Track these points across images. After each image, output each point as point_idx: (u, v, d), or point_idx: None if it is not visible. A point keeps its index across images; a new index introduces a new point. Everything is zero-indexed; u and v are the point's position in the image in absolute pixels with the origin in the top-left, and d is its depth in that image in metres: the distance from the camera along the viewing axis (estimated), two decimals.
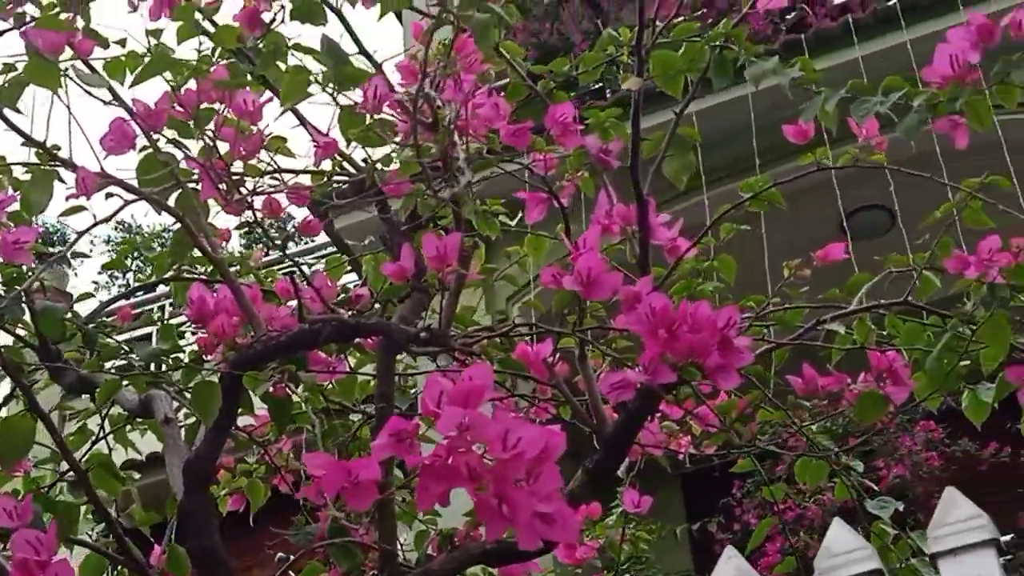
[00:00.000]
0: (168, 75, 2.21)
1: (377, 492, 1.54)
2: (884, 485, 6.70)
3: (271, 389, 2.29)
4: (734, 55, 2.17)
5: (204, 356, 2.34)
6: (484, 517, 1.46)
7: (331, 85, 2.13)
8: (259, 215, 2.30)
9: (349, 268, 2.97)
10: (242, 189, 2.23)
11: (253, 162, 2.23)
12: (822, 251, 2.53)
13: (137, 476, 2.65)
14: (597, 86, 7.10)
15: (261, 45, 2.23)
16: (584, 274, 1.96)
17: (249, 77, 2.25)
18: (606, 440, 2.20)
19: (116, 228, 20.39)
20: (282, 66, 2.22)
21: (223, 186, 2.17)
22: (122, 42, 2.24)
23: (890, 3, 8.26)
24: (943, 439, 7.07)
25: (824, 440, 2.62)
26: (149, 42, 2.23)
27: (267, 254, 3.75)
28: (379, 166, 2.15)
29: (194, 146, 2.22)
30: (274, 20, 2.25)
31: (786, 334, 2.48)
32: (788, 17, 8.81)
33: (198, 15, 2.31)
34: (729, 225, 2.61)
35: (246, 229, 2.52)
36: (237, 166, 2.21)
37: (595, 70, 2.33)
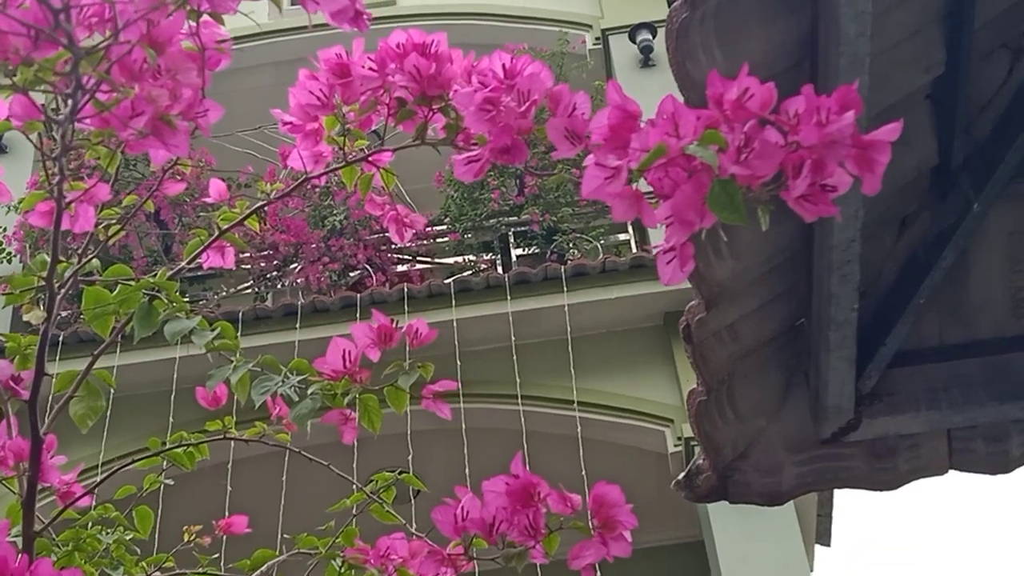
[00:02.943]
0: None
1: None
2: None
3: None
4: (163, 306, 2.12)
5: None
6: None
7: None
8: None
9: None
10: None
11: None
12: (225, 521, 2.46)
13: None
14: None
15: None
16: None
17: None
18: None
19: None
20: None
21: None
22: None
23: (446, 281, 8.66)
24: None
25: None
26: None
27: None
28: None
29: None
30: None
31: None
32: (352, 275, 9.02)
33: None
34: (152, 476, 2.51)
35: None
36: None
37: (23, 293, 2.20)
